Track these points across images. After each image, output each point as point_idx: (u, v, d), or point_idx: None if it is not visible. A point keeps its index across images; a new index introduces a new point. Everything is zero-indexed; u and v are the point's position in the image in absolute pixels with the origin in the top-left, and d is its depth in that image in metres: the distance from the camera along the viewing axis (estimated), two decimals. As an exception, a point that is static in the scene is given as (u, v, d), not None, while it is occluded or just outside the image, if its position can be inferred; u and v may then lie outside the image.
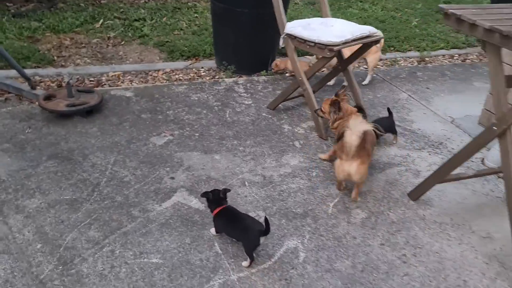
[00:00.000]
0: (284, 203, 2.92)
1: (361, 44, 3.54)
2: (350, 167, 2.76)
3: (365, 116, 3.23)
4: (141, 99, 4.19)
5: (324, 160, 3.38)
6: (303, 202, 2.94)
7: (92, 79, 4.71)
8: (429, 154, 3.53)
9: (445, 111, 4.21)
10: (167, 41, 5.68)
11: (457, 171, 2.74)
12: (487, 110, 3.79)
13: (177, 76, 4.90)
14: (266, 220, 2.23)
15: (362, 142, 2.66)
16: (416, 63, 5.63)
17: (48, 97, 3.87)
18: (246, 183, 3.10)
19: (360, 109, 3.25)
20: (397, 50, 5.96)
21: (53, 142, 3.43)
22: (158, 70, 5.00)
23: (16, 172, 3.04)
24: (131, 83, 4.67)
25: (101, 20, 6.15)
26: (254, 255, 2.34)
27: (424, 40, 6.33)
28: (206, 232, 2.64)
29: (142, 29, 5.95)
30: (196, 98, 4.27)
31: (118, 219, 2.70)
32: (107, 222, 2.68)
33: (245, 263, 2.35)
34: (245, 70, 4.96)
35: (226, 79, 4.76)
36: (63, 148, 3.37)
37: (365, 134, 2.67)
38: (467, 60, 5.85)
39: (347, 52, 3.86)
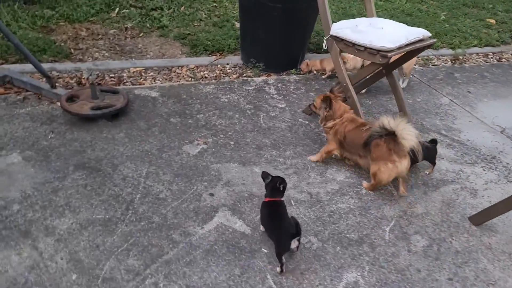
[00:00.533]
0: (336, 226, 2.67)
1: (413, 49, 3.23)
2: (403, 166, 2.73)
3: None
4: (168, 100, 3.91)
5: (316, 161, 3.22)
6: (357, 226, 2.69)
7: (113, 75, 4.42)
8: (484, 170, 3.28)
9: (492, 119, 3.95)
10: (188, 34, 5.37)
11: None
12: (543, 122, 3.51)
13: (202, 73, 4.60)
14: (296, 224, 2.26)
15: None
16: (450, 62, 5.34)
17: (70, 98, 3.59)
18: (292, 202, 2.85)
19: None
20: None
21: (78, 149, 3.16)
22: (182, 66, 4.71)
23: (42, 185, 2.79)
24: (154, 81, 4.38)
25: (117, 9, 5.81)
26: (283, 260, 2.26)
27: (455, 36, 6.03)
28: (256, 261, 2.40)
29: (161, 19, 5.63)
30: (226, 100, 3.99)
31: (158, 244, 2.46)
32: (147, 247, 2.43)
33: (278, 269, 2.30)
34: (274, 68, 4.68)
35: (255, 78, 4.47)
36: (90, 156, 3.10)
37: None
38: (503, 60, 5.55)
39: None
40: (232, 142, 3.41)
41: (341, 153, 3.11)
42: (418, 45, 3.23)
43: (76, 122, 3.45)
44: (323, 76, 4.60)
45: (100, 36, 5.17)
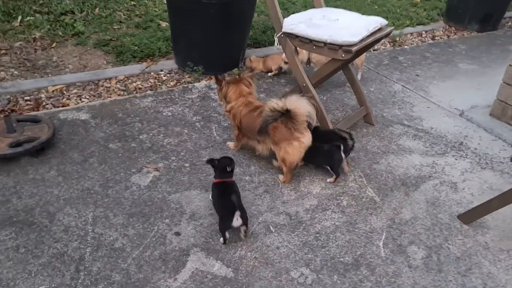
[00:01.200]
0: (326, 250, 2.37)
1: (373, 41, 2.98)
2: (308, 140, 2.69)
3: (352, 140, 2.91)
4: (101, 122, 3.36)
5: (236, 148, 3.12)
6: (348, 246, 2.41)
7: (28, 98, 3.75)
8: (456, 159, 3.15)
9: (448, 103, 3.86)
10: (110, 39, 4.76)
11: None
12: (501, 101, 3.46)
13: (134, 84, 4.07)
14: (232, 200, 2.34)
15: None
16: (389, 45, 5.24)
17: (-21, 136, 2.92)
18: (271, 227, 2.49)
19: (344, 137, 2.89)
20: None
21: (0, 200, 2.54)
22: (110, 79, 4.13)
23: (-41, 257, 2.18)
24: (80, 100, 3.78)
25: (20, 17, 5.02)
26: (227, 235, 2.36)
27: (388, 17, 5.94)
28: (249, 312, 2.02)
29: (74, 25, 4.95)
30: (170, 114, 3.51)
31: (126, 312, 1.98)
32: (113, 319, 1.95)
33: (221, 240, 2.38)
34: (215, 69, 4.25)
35: (196, 84, 4.03)
36: (17, 207, 2.52)
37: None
38: (437, 38, 5.57)
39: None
40: (187, 164, 2.97)
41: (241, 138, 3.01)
42: (378, 35, 2.99)
43: (-9, 165, 2.81)
44: (269, 74, 4.25)
45: (3, 52, 4.41)
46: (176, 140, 3.21)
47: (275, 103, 2.57)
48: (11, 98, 3.68)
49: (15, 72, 4.07)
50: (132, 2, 5.86)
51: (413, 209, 2.69)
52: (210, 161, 2.49)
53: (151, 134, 3.27)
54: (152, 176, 2.85)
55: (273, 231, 2.49)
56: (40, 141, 2.91)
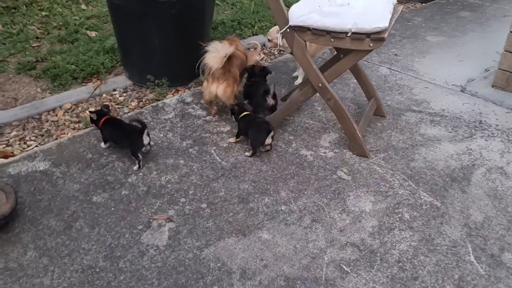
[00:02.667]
0: (421, 282, 1.94)
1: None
2: (217, 89, 2.92)
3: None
4: (69, 169, 2.61)
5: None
6: (441, 270, 2.02)
7: (-47, 153, 2.83)
8: (486, 141, 2.91)
9: (445, 80, 3.63)
10: (36, 61, 3.86)
11: None
12: (505, 70, 3.28)
13: (88, 112, 3.28)
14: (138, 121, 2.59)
15: (227, 65, 2.84)
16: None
17: None
18: (344, 267, 2.01)
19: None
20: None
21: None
22: (54, 110, 3.31)
23: None
24: (25, 144, 2.93)
25: None
26: (139, 156, 2.56)
27: None
28: None
29: (-22, 48, 3.95)
30: (152, 143, 2.83)
31: None
32: None
33: (135, 167, 2.60)
34: (182, 80, 3.62)
35: (166, 100, 3.36)
36: (-1, 319, 1.74)
37: (230, 57, 2.81)
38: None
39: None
40: (203, 205, 2.36)
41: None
42: (395, 16, 2.58)
43: None
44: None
45: None
46: (176, 176, 2.57)
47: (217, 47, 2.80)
48: None
49: None
50: (43, 13, 4.90)
51: (479, 207, 2.37)
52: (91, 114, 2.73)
53: (140, 174, 2.58)
54: (168, 230, 2.21)
55: (349, 271, 2.00)
56: (2, 215, 2.11)
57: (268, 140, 2.67)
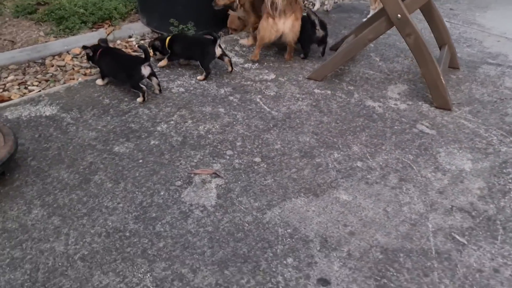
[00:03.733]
0: None
1: None
2: (284, 25, 2.45)
3: None
4: (82, 115, 2.08)
5: (251, 45, 2.73)
6: None
7: None
8: None
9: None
10: (38, 3, 3.28)
11: None
12: None
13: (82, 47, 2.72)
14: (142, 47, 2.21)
15: None
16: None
17: None
18: (458, 236, 1.49)
19: None
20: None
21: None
22: (60, 54, 2.75)
23: None
24: (26, 88, 2.39)
25: None
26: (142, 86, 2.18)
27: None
28: None
29: (-29, -10, 3.37)
30: (183, 89, 2.34)
31: None
32: None
33: (139, 99, 2.19)
34: (210, 25, 3.04)
35: (193, 47, 2.78)
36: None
37: None
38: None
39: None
40: (257, 159, 1.84)
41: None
42: None
43: None
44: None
45: None
46: (217, 125, 2.04)
47: None
48: None
49: None
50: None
51: None
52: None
53: (171, 122, 2.05)
54: (216, 187, 1.68)
55: (465, 242, 1.48)
56: (0, 160, 1.56)
57: (218, 51, 2.37)
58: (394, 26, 2.15)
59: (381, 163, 1.86)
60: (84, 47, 2.35)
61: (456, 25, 3.27)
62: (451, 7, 3.63)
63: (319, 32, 2.54)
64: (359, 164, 1.86)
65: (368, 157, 1.90)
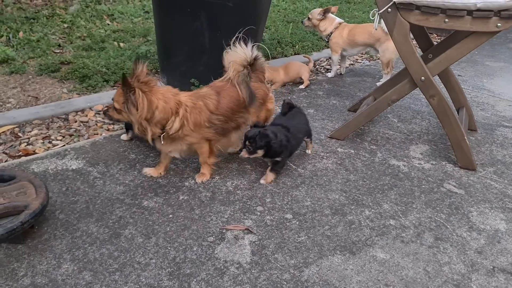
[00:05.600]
0: None
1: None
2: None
3: None
4: (108, 169, 2.07)
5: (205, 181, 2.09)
6: None
7: (-40, 148, 2.29)
8: None
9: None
10: (61, 63, 3.39)
11: None
12: None
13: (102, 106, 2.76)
14: None
15: None
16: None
17: None
18: None
19: None
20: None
21: None
22: (83, 110, 2.78)
23: None
24: (50, 143, 2.39)
25: None
26: None
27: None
28: None
29: (-3, 50, 3.50)
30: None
31: None
32: None
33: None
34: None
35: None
36: None
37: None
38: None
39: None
40: (289, 216, 1.81)
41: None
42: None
43: None
44: (302, 87, 3.26)
45: None
46: (245, 181, 2.04)
47: (243, 55, 1.99)
48: None
49: None
50: (65, 24, 4.51)
51: None
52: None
53: (190, 172, 2.03)
54: (250, 243, 1.64)
55: (513, 303, 1.43)
56: (33, 212, 1.53)
57: None
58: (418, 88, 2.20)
59: (414, 222, 1.84)
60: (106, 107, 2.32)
61: (466, 90, 3.37)
62: (459, 74, 3.76)
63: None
64: (392, 222, 1.83)
65: (400, 215, 1.88)
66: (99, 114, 2.77)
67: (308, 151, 2.31)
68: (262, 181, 2.02)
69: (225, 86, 2.00)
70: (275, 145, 1.94)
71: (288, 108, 2.20)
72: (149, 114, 1.76)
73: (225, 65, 2.04)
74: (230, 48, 2.02)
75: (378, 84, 3.30)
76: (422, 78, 2.15)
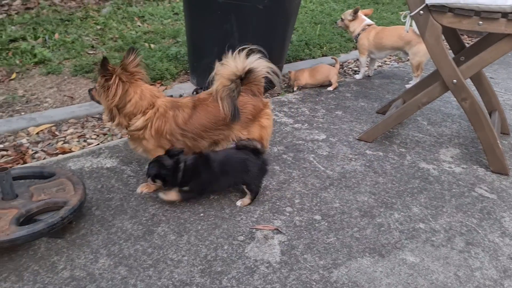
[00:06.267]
0: None
1: None
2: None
3: None
4: (141, 168, 2.12)
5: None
6: None
7: (1, 146, 2.39)
8: None
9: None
10: (95, 64, 3.49)
11: None
12: None
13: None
14: None
15: None
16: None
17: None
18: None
19: None
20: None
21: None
22: (116, 110, 2.83)
23: None
24: (85, 142, 2.47)
25: (-51, 45, 3.60)
26: None
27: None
28: None
29: (34, 51, 3.62)
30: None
31: None
32: None
33: None
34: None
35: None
36: None
37: None
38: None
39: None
40: (317, 217, 1.82)
41: None
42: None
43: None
44: (330, 89, 3.26)
45: None
46: (274, 183, 2.05)
47: (233, 67, 1.85)
48: (-27, 148, 2.29)
49: (-34, 113, 2.65)
50: (98, 26, 4.63)
51: None
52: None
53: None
54: (279, 243, 1.66)
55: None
56: (72, 208, 1.59)
57: None
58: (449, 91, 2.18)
59: (444, 226, 1.83)
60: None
61: (499, 92, 3.31)
62: (491, 76, 3.69)
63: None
64: (421, 225, 1.82)
65: (430, 219, 1.87)
66: (131, 114, 2.84)
67: (239, 203, 1.91)
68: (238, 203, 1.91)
69: (206, 100, 1.92)
70: (166, 172, 1.77)
71: (243, 146, 1.91)
72: (120, 104, 1.79)
73: (212, 78, 1.93)
74: (222, 60, 1.91)
75: (408, 86, 3.28)
76: (454, 81, 2.13)
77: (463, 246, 1.72)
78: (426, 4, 2.05)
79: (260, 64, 1.91)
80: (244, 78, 1.91)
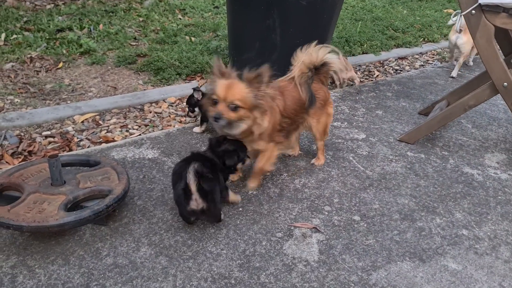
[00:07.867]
0: None
1: None
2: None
3: None
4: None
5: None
6: None
7: (48, 132, 2.46)
8: None
9: None
10: (137, 55, 3.55)
11: None
12: None
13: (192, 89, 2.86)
14: None
15: None
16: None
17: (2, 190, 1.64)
18: None
19: None
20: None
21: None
22: (157, 102, 2.90)
23: None
24: (127, 131, 2.52)
25: (3, 34, 3.73)
26: None
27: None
28: None
29: (80, 42, 3.70)
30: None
31: None
32: None
33: None
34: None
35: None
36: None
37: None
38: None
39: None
40: (356, 217, 1.80)
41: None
42: None
43: (28, 247, 1.51)
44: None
45: (-8, 75, 3.10)
46: (313, 180, 2.04)
47: (313, 57, 1.94)
48: (23, 134, 2.37)
49: (16, 100, 2.76)
50: (140, 18, 4.71)
51: None
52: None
53: (268, 174, 2.07)
54: (317, 242, 1.65)
55: None
56: (116, 196, 1.63)
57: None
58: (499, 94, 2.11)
59: (489, 234, 1.78)
60: (194, 89, 2.42)
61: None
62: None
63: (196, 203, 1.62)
64: (464, 232, 1.78)
65: (474, 225, 1.82)
66: (172, 106, 2.89)
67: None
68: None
69: (287, 87, 1.96)
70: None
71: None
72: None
73: (293, 63, 2.00)
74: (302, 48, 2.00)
75: (452, 74, 3.24)
76: (505, 84, 2.06)
77: (509, 255, 1.67)
78: (479, 4, 1.98)
79: (335, 61, 2.03)
80: (318, 69, 2.00)
